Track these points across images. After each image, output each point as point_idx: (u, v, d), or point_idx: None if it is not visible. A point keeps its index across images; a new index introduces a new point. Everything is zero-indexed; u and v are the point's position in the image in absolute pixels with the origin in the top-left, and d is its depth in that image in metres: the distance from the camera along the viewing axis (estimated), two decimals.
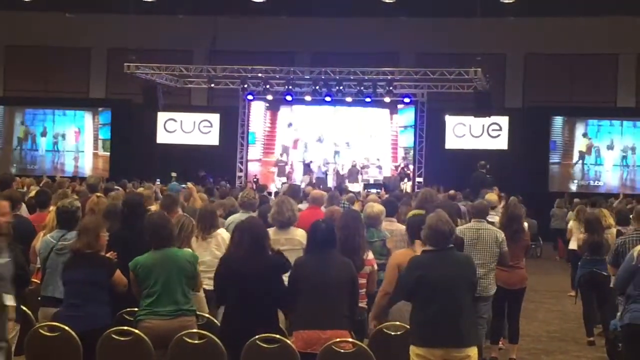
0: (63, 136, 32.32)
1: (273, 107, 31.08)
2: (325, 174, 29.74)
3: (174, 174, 23.52)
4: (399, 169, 29.27)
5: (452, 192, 16.62)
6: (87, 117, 32.34)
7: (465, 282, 6.80)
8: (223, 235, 9.14)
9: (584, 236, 12.41)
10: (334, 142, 30.63)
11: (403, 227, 10.44)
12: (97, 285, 7.33)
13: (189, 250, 7.92)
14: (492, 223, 11.14)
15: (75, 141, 32.32)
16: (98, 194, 10.80)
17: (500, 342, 11.21)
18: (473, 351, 6.76)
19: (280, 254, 7.50)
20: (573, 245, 15.36)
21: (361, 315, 8.03)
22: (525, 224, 11.82)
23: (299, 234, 8.98)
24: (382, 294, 7.87)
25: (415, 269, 6.85)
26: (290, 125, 31.13)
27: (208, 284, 8.08)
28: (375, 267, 8.61)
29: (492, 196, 14.27)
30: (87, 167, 31.83)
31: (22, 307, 7.53)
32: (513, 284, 10.68)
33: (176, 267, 7.32)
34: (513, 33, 29.83)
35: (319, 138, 30.77)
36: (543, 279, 18.74)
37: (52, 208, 10.27)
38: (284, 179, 29.24)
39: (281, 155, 30.81)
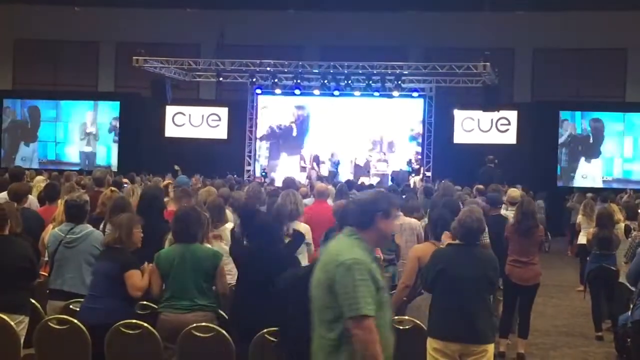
0: (78, 128, 32.27)
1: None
2: (336, 167, 29.52)
3: (177, 168, 23.47)
4: (409, 162, 29.09)
5: (480, 186, 16.57)
6: (104, 108, 32.28)
7: (484, 279, 6.80)
8: (231, 229, 9.12)
9: (593, 230, 12.39)
10: (349, 136, 30.45)
11: (413, 221, 10.49)
12: (114, 280, 7.31)
13: (212, 248, 7.90)
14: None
15: (97, 135, 32.30)
16: (112, 188, 10.82)
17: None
18: (490, 347, 6.77)
19: (298, 233, 7.55)
20: (582, 239, 15.35)
21: None
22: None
23: (302, 229, 8.96)
24: (402, 287, 7.90)
25: (437, 262, 6.90)
26: (299, 117, 31.02)
27: None
28: (382, 257, 8.63)
29: (514, 192, 14.27)
30: (113, 163, 31.40)
31: (31, 300, 7.57)
32: (527, 279, 10.66)
33: (195, 263, 7.32)
34: (522, 27, 29.77)
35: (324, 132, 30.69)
36: (552, 274, 18.68)
37: (60, 201, 10.31)
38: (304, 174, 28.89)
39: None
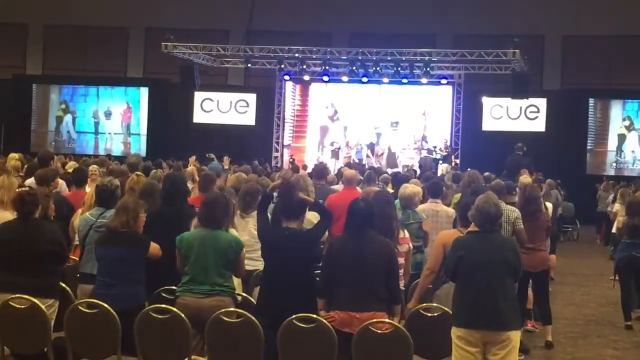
0: (108, 115, 32.46)
1: (303, 82, 30.81)
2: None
3: (211, 156, 23.47)
4: (438, 150, 28.96)
5: (486, 173, 16.50)
6: (143, 94, 32.48)
7: (506, 265, 6.72)
8: None
9: (623, 219, 12.31)
10: (378, 123, 30.40)
11: (449, 210, 10.48)
12: (132, 265, 7.36)
13: (235, 235, 7.89)
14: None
15: (125, 121, 32.47)
16: (137, 172, 10.82)
17: (529, 325, 11.18)
18: (515, 335, 6.69)
19: (326, 212, 7.53)
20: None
21: None
22: (549, 205, 11.74)
23: (311, 215, 8.89)
24: (427, 273, 7.86)
25: (457, 249, 6.86)
26: (331, 105, 31.07)
27: (247, 264, 8.10)
28: (411, 246, 8.60)
29: (525, 178, 14.18)
30: (141, 149, 31.53)
31: (61, 283, 7.62)
32: (534, 266, 10.51)
33: (216, 248, 7.33)
34: (552, 14, 29.58)
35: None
36: (580, 263, 18.65)
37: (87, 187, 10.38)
38: (339, 163, 28.73)
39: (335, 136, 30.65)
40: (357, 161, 28.20)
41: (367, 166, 24.87)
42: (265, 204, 7.71)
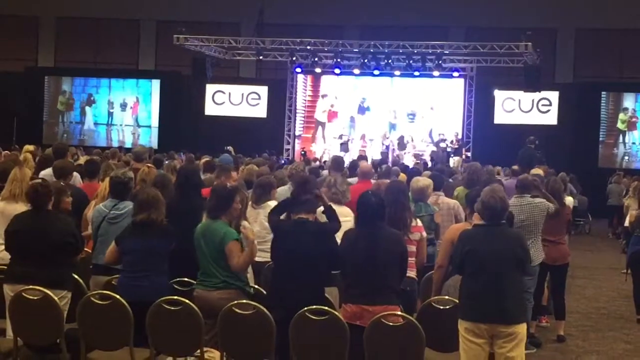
0: (124, 107, 32.54)
1: (314, 74, 30.68)
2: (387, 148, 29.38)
3: (230, 148, 23.44)
4: (448, 143, 28.91)
5: (514, 167, 16.40)
6: (154, 86, 32.45)
7: (513, 258, 6.70)
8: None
9: (636, 213, 12.28)
10: (394, 114, 30.38)
11: (451, 201, 10.47)
12: (162, 256, 7.37)
13: (228, 227, 7.78)
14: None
15: (134, 113, 32.53)
16: (149, 164, 10.83)
17: (544, 321, 11.15)
18: (521, 328, 6.68)
19: (334, 219, 7.52)
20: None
21: (411, 285, 8.01)
22: (570, 199, 11.69)
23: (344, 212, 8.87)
24: (435, 267, 7.89)
25: (464, 242, 6.85)
26: (324, 96, 31.08)
27: (258, 255, 8.09)
28: (424, 234, 8.58)
29: (537, 171, 14.11)
30: (153, 141, 31.46)
31: (74, 275, 7.64)
32: (555, 259, 10.51)
33: (211, 240, 7.38)
34: (564, 7, 29.51)
35: (363, 108, 30.62)
36: (593, 256, 18.60)
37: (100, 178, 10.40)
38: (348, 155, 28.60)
39: (342, 129, 30.64)
40: (385, 151, 28.11)
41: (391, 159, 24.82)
42: (282, 211, 7.74)
